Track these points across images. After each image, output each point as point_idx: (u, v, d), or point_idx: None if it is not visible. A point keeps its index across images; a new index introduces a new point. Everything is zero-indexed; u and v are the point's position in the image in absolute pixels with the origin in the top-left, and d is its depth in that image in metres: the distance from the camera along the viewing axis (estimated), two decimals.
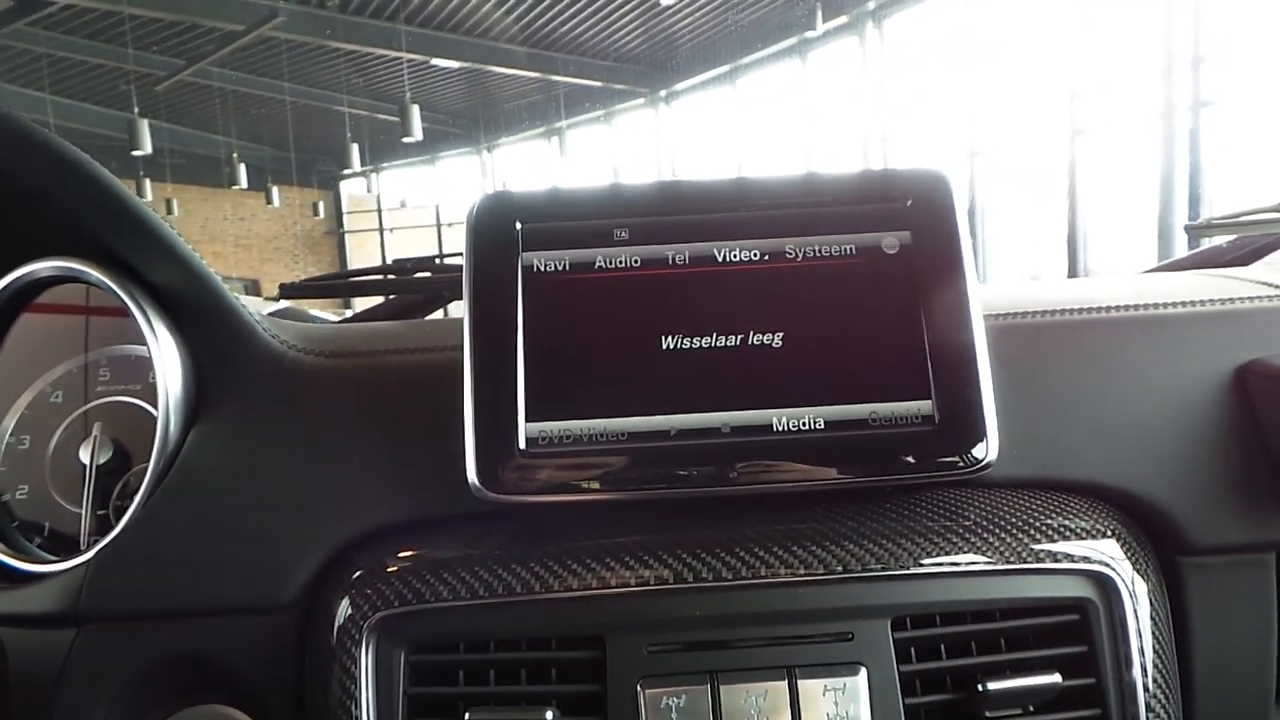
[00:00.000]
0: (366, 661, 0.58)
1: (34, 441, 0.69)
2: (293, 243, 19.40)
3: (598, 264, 0.62)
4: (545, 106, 16.49)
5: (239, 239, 18.54)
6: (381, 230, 19.89)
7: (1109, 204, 9.78)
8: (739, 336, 0.61)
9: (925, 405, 0.59)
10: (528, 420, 0.59)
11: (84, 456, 0.67)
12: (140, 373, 0.70)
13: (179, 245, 0.65)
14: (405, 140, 11.99)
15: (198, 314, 0.67)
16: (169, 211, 15.58)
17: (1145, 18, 9.02)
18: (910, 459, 0.59)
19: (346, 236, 20.41)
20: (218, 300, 0.67)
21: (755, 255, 0.62)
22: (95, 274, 0.66)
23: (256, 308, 0.72)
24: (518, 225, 0.62)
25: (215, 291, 0.67)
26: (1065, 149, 9.83)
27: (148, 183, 14.68)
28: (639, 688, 0.56)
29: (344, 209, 20.60)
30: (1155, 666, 0.59)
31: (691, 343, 0.60)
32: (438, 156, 19.60)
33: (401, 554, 0.61)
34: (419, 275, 1.00)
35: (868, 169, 0.64)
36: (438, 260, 1.02)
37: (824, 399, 0.59)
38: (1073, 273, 9.59)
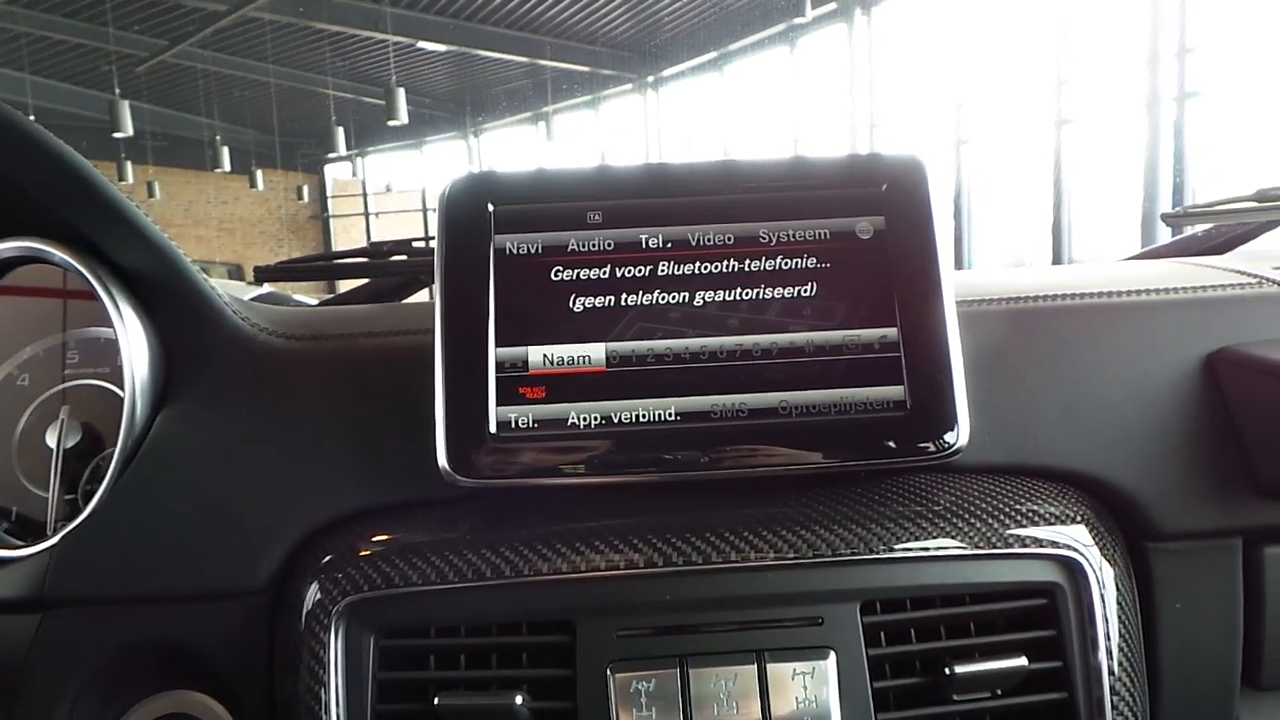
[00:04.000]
0: (336, 646, 0.58)
1: (0, 424, 0.69)
2: (277, 227, 19.25)
3: (570, 247, 0.61)
4: (532, 91, 16.39)
5: (222, 222, 18.39)
6: (367, 214, 19.77)
7: (1094, 193, 9.83)
8: (712, 322, 0.60)
9: (897, 391, 0.59)
10: (498, 405, 0.59)
11: (51, 440, 0.67)
12: (110, 356, 0.69)
13: (147, 227, 0.64)
14: (391, 124, 11.89)
15: (166, 296, 0.67)
16: (151, 194, 15.42)
17: (1131, 7, 9.04)
18: (882, 444, 0.59)
19: (332, 221, 20.27)
20: (186, 282, 0.66)
21: (729, 239, 0.62)
22: (60, 254, 0.65)
23: (238, 292, 0.72)
24: (490, 207, 0.62)
25: (184, 274, 0.66)
26: (1051, 138, 9.87)
27: (129, 165, 14.52)
28: (609, 672, 0.56)
29: (329, 193, 20.45)
30: (1121, 650, 0.59)
31: (664, 328, 0.60)
32: (424, 141, 19.48)
33: (372, 539, 0.61)
34: (396, 258, 0.99)
35: (843, 153, 0.64)
36: (415, 243, 1.01)
37: (796, 384, 0.59)
38: (1057, 261, 9.65)
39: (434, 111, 18.10)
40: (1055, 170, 9.86)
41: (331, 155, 19.18)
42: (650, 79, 15.48)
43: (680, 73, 14.93)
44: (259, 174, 16.87)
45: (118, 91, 12.32)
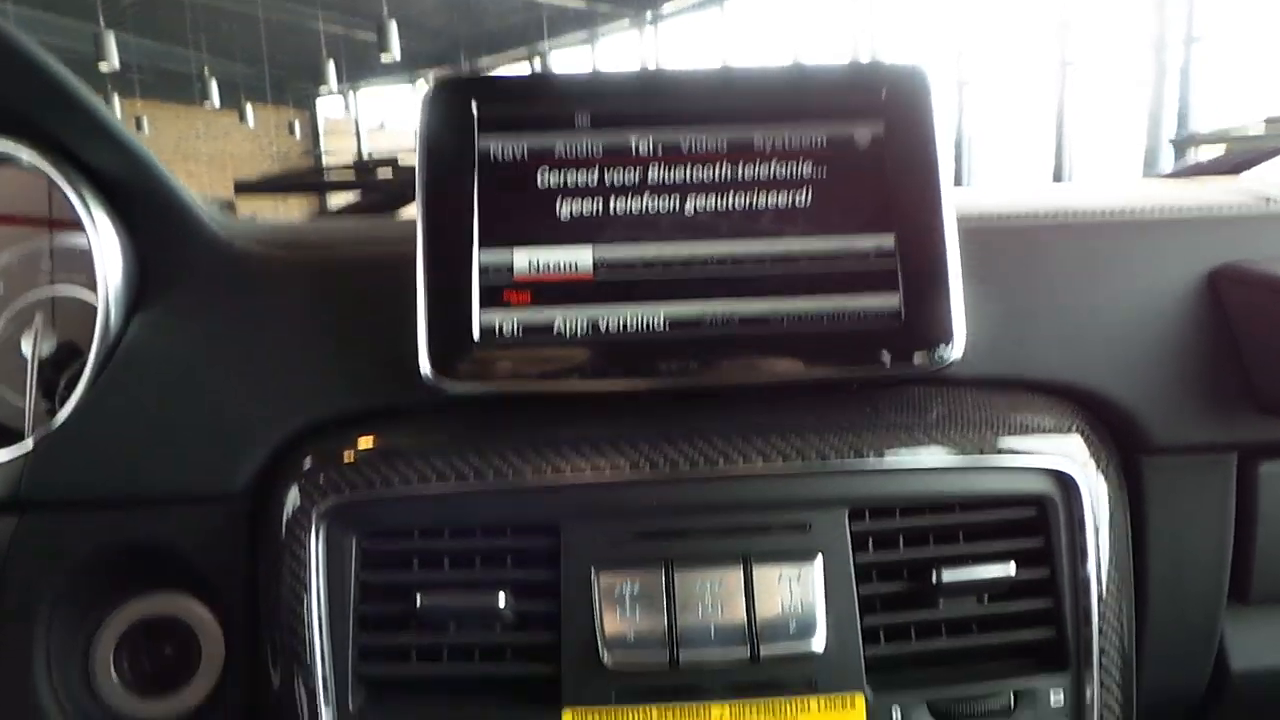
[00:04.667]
0: (318, 549, 0.57)
1: None
2: (269, 163, 18.97)
3: (557, 150, 0.59)
4: (528, 27, 16.02)
5: (213, 158, 18.10)
6: (360, 153, 19.50)
7: (1096, 137, 9.73)
8: (703, 228, 0.59)
9: (892, 300, 0.58)
10: (482, 309, 0.57)
11: (26, 348, 0.65)
12: (87, 265, 0.68)
13: (118, 129, 0.62)
14: (383, 59, 11.62)
15: (140, 200, 0.65)
16: (139, 129, 15.14)
17: None
18: (875, 355, 0.58)
19: (325, 158, 19.98)
20: (161, 187, 0.65)
21: (722, 145, 0.60)
22: (28, 155, 0.63)
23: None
24: (474, 107, 0.60)
25: (158, 178, 0.65)
26: (1054, 81, 9.73)
27: (116, 99, 14.22)
28: (593, 573, 0.56)
29: (321, 130, 20.13)
30: (1110, 561, 0.59)
31: (653, 233, 0.59)
32: (418, 76, 19.12)
33: (354, 443, 0.60)
34: (382, 172, 0.96)
35: (841, 60, 0.62)
36: (402, 158, 0.98)
37: (789, 291, 0.58)
38: None
39: (428, 48, 17.71)
40: (1058, 114, 9.74)
41: (323, 90, 18.82)
42: (649, 15, 15.13)
43: (680, 9, 14.60)
44: (249, 109, 16.53)
45: (103, 23, 12.01)
